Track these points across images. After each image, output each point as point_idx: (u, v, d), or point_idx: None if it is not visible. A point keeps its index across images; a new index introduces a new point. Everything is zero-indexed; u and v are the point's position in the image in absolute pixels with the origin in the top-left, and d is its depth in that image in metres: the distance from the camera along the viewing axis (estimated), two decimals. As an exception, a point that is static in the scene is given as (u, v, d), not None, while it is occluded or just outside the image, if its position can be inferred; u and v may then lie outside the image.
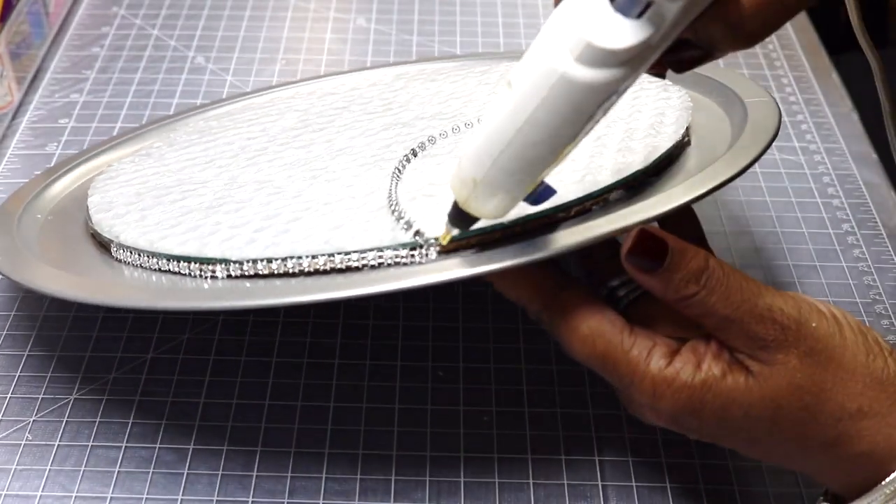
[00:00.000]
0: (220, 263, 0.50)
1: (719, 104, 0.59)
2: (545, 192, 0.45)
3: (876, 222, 0.70)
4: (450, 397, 0.57)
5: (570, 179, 0.50)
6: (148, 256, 0.52)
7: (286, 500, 0.52)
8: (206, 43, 0.86)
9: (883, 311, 0.63)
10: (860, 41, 0.65)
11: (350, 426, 0.56)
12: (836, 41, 0.86)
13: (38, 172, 0.68)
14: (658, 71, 0.58)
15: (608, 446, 0.55)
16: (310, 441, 0.55)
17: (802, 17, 0.89)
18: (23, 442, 0.54)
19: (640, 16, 0.39)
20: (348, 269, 0.48)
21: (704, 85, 0.61)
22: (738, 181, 0.51)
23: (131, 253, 0.53)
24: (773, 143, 0.54)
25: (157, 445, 0.54)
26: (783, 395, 0.45)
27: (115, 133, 0.75)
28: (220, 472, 0.53)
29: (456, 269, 0.47)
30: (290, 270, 0.49)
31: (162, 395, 0.57)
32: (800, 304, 0.45)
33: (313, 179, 0.55)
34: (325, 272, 0.48)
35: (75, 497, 0.52)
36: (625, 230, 0.46)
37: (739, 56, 0.85)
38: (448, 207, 0.46)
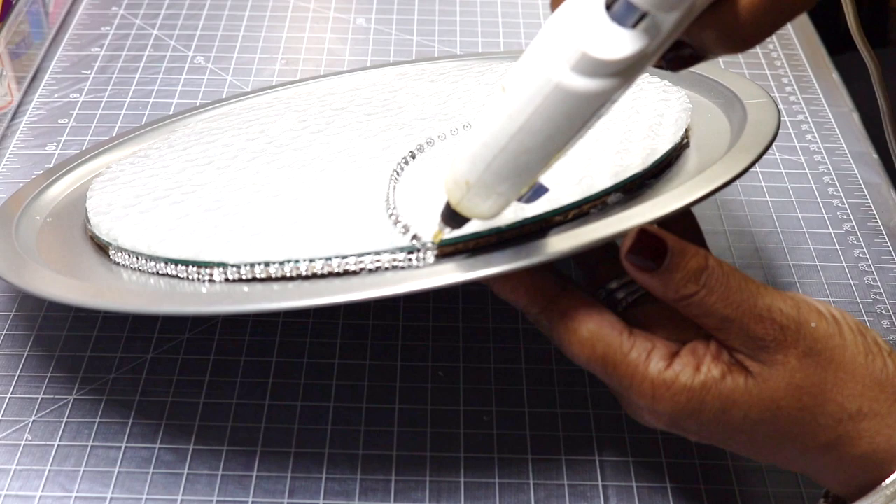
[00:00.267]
0: (218, 267, 0.50)
1: (719, 105, 0.59)
2: (538, 190, 0.45)
3: (876, 222, 0.70)
4: (450, 397, 0.57)
5: (567, 182, 0.50)
6: (146, 260, 0.52)
7: (286, 501, 0.52)
8: (205, 43, 0.86)
9: (883, 311, 0.63)
10: (857, 43, 0.65)
11: (350, 426, 0.56)
12: (837, 41, 0.86)
13: (38, 173, 0.68)
14: (656, 64, 0.58)
15: (608, 446, 0.55)
16: (310, 441, 0.55)
17: (803, 17, 0.89)
18: (22, 442, 0.54)
19: (635, 25, 0.39)
20: (346, 273, 0.48)
21: (704, 86, 0.61)
22: (738, 181, 0.51)
23: (129, 256, 0.53)
24: (774, 143, 0.54)
25: (157, 445, 0.54)
26: (782, 396, 0.45)
27: (114, 133, 0.75)
28: (220, 473, 0.53)
29: (453, 273, 0.47)
30: (288, 274, 0.49)
31: (162, 395, 0.57)
32: (799, 304, 0.45)
33: (312, 182, 0.55)
34: (322, 276, 0.48)
35: (75, 497, 0.52)
36: (623, 234, 0.46)
37: (740, 55, 0.85)
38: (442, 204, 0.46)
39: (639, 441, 0.55)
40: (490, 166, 0.43)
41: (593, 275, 0.51)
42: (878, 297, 0.64)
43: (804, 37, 0.88)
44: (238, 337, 0.60)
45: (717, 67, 0.61)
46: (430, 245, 0.48)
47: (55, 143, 0.74)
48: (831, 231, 0.69)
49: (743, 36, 0.40)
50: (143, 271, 0.52)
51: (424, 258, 0.48)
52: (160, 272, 0.51)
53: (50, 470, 0.53)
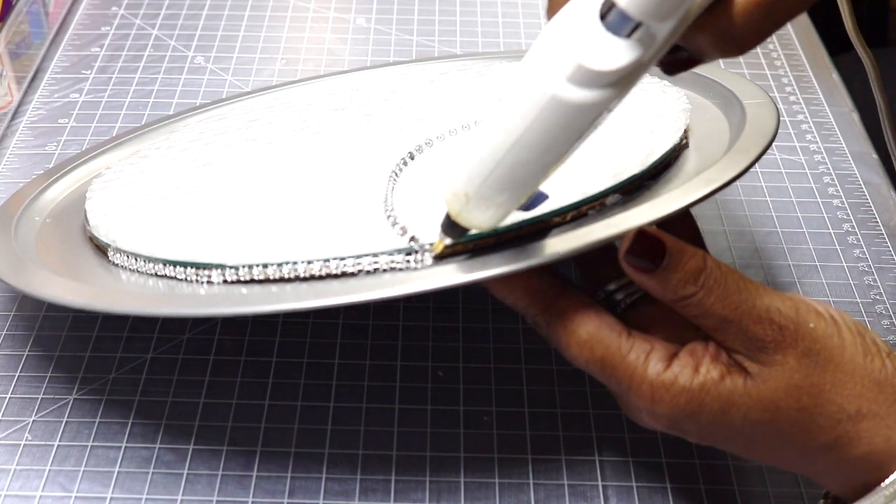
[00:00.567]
0: (217, 268, 0.50)
1: (718, 106, 0.59)
2: (538, 198, 0.45)
3: (876, 222, 0.70)
4: (450, 397, 0.57)
5: (566, 183, 0.50)
6: (144, 261, 0.52)
7: (286, 501, 0.52)
8: (205, 43, 0.86)
9: (883, 311, 0.63)
10: (854, 43, 0.65)
11: (350, 426, 0.56)
12: (837, 41, 0.86)
13: (38, 173, 0.68)
14: None
15: (608, 446, 0.55)
16: (310, 441, 0.55)
17: (803, 17, 0.89)
18: (22, 442, 0.54)
19: (630, 35, 0.39)
20: (344, 275, 0.48)
21: (703, 86, 0.61)
22: (738, 181, 0.51)
23: (128, 257, 0.53)
24: (773, 143, 0.54)
25: (157, 445, 0.54)
26: (781, 397, 0.45)
27: (114, 133, 0.75)
28: (220, 473, 0.53)
29: (451, 275, 0.47)
30: (286, 276, 0.49)
31: (162, 395, 0.57)
32: (797, 304, 0.45)
33: (310, 183, 0.55)
34: (320, 277, 0.48)
35: (75, 497, 0.52)
36: (621, 235, 0.46)
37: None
38: (442, 212, 0.46)
39: (639, 441, 0.55)
40: (488, 178, 0.43)
41: (592, 276, 0.51)
42: (878, 297, 0.64)
43: (804, 37, 0.88)
44: (238, 337, 0.60)
45: (717, 68, 0.61)
46: (428, 247, 0.48)
47: (55, 143, 0.74)
48: (831, 231, 0.69)
49: (738, 40, 0.40)
50: (142, 273, 0.52)
51: (422, 260, 0.48)
52: (159, 273, 0.51)
53: (50, 470, 0.53)
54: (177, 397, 0.57)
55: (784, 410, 0.45)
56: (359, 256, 0.48)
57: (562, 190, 0.49)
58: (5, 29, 0.79)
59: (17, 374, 0.58)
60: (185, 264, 0.50)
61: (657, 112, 0.56)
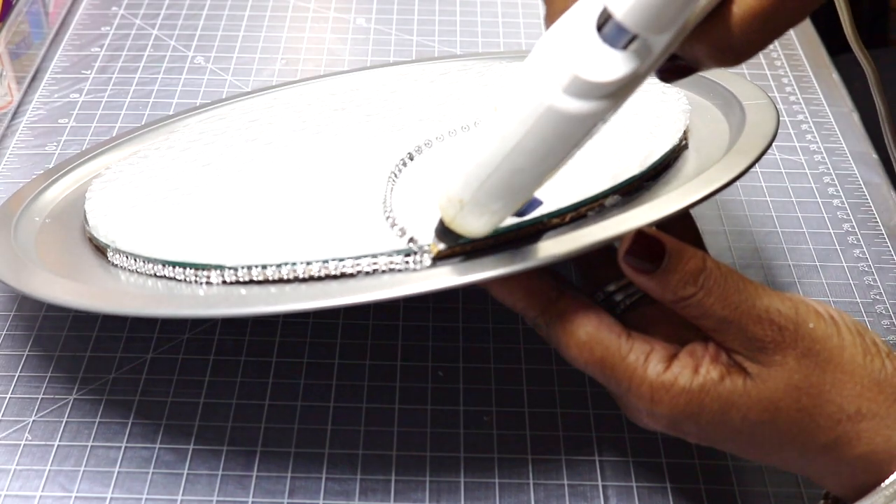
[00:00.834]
0: (215, 269, 0.50)
1: (717, 107, 0.59)
2: (532, 203, 0.46)
3: (876, 222, 0.70)
4: (450, 397, 0.57)
5: (565, 185, 0.50)
6: (143, 262, 0.52)
7: (286, 500, 0.52)
8: (205, 43, 0.86)
9: (883, 311, 0.63)
10: (853, 45, 0.65)
11: (350, 426, 0.56)
12: (837, 41, 0.86)
13: (38, 173, 0.68)
14: None
15: (608, 446, 0.55)
16: (310, 441, 0.55)
17: (803, 17, 0.89)
18: (22, 442, 0.54)
19: (626, 46, 0.39)
20: (343, 276, 0.48)
21: (702, 87, 0.61)
22: (737, 181, 0.51)
23: (127, 258, 0.53)
24: (773, 144, 0.54)
25: (157, 445, 0.54)
26: (781, 397, 0.45)
27: (114, 133, 0.75)
28: (220, 473, 0.53)
29: (450, 276, 0.47)
30: (285, 277, 0.49)
31: (162, 395, 0.57)
32: (797, 304, 0.45)
33: (309, 184, 0.55)
34: (319, 278, 0.48)
35: (75, 497, 0.52)
36: (621, 236, 0.46)
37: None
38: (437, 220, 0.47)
39: (639, 441, 0.55)
40: (483, 186, 0.43)
41: (591, 277, 0.51)
42: (878, 297, 0.64)
43: (804, 37, 0.88)
44: (238, 337, 0.60)
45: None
46: (426, 248, 0.48)
47: (55, 143, 0.74)
48: (831, 231, 0.69)
49: (735, 51, 0.40)
50: (142, 273, 0.52)
51: (421, 261, 0.48)
52: (158, 274, 0.51)
53: (50, 470, 0.53)
54: (177, 397, 0.57)
55: (784, 411, 0.45)
56: (358, 257, 0.48)
57: (561, 191, 0.49)
58: (5, 29, 0.79)
59: (17, 374, 0.58)
60: (184, 265, 0.50)
61: (657, 113, 0.56)
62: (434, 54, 0.85)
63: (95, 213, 0.57)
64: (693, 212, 0.53)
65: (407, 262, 0.48)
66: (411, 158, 0.55)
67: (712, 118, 0.58)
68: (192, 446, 0.54)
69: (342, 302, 0.47)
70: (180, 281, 0.51)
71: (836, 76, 0.84)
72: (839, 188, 0.72)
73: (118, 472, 0.53)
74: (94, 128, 0.76)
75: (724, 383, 0.45)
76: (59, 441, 0.55)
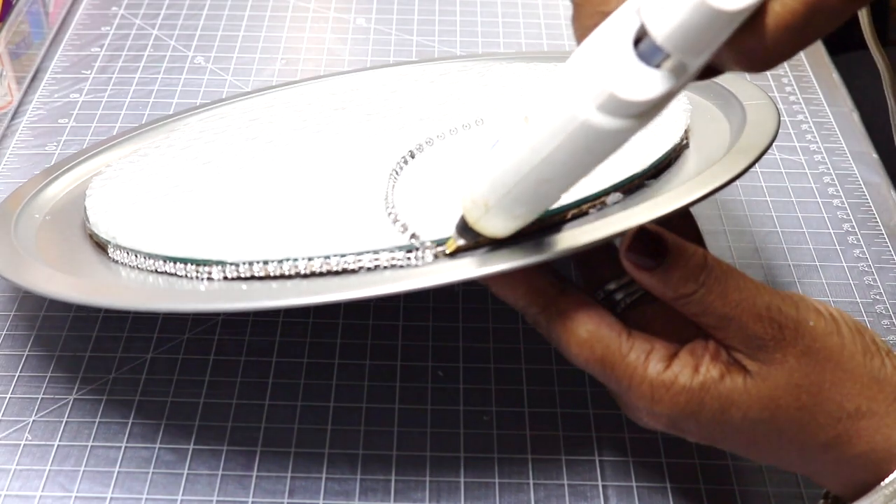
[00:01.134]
0: (217, 265, 0.50)
1: (718, 106, 0.59)
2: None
3: (876, 222, 0.70)
4: (450, 397, 0.57)
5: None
6: (144, 258, 0.52)
7: (286, 500, 0.52)
8: (205, 43, 0.86)
9: (883, 311, 0.63)
10: (869, 44, 0.65)
11: (350, 426, 0.56)
12: (837, 41, 0.86)
13: (38, 172, 0.68)
14: None
15: (608, 446, 0.55)
16: (310, 441, 0.55)
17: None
18: (22, 442, 0.54)
19: (661, 64, 0.39)
20: (344, 272, 0.48)
21: (703, 86, 0.60)
22: (738, 181, 0.51)
23: (128, 254, 0.53)
24: (774, 144, 0.54)
25: (157, 445, 0.54)
26: (781, 396, 0.45)
27: (114, 133, 0.75)
28: (220, 472, 0.53)
29: (451, 272, 0.47)
30: (286, 272, 0.49)
31: (162, 395, 0.57)
32: (797, 303, 0.45)
33: (310, 180, 0.55)
34: (321, 274, 0.48)
35: (75, 497, 0.52)
36: (622, 234, 0.46)
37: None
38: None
39: (639, 441, 0.55)
40: (510, 192, 0.43)
41: (592, 276, 0.51)
42: (878, 297, 0.64)
43: (804, 37, 0.88)
44: (238, 337, 0.60)
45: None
46: (428, 244, 0.48)
47: (55, 143, 0.74)
48: (831, 231, 0.69)
49: (766, 59, 0.40)
50: (142, 269, 0.52)
51: (423, 257, 0.48)
52: (159, 270, 0.51)
53: (50, 470, 0.53)
54: (177, 397, 0.57)
55: (783, 409, 0.45)
56: (359, 253, 0.48)
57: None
58: (5, 29, 0.79)
59: (17, 374, 0.58)
60: (185, 261, 0.50)
61: (658, 112, 0.56)
62: (434, 54, 0.85)
63: (96, 209, 0.57)
64: (693, 211, 0.53)
65: (409, 258, 0.48)
66: (412, 156, 0.55)
67: (713, 117, 0.58)
68: (192, 446, 0.54)
69: (343, 297, 0.47)
70: (181, 277, 0.51)
71: (836, 76, 0.84)
72: (839, 188, 0.72)
73: (118, 472, 0.53)
74: (94, 128, 0.76)
75: (724, 382, 0.45)
76: (59, 441, 0.55)
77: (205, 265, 0.50)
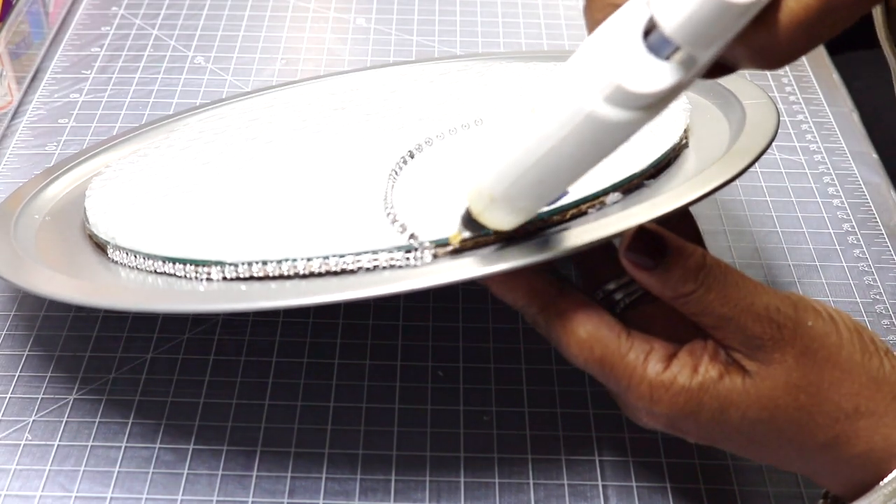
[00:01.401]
0: (216, 265, 0.50)
1: (718, 106, 0.59)
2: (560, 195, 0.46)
3: (876, 222, 0.70)
4: (450, 397, 0.57)
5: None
6: (144, 258, 0.52)
7: (286, 500, 0.52)
8: (205, 43, 0.86)
9: (883, 311, 0.63)
10: (882, 43, 0.65)
11: (350, 426, 0.56)
12: (837, 41, 0.86)
13: (38, 172, 0.68)
14: None
15: (608, 446, 0.55)
16: (310, 441, 0.55)
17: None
18: (22, 442, 0.54)
19: (671, 56, 0.38)
20: (343, 272, 0.48)
21: (703, 86, 0.60)
22: (737, 181, 0.51)
23: (127, 254, 0.53)
24: (773, 143, 0.54)
25: (157, 445, 0.54)
26: (780, 395, 0.45)
27: (114, 133, 0.75)
28: (220, 472, 0.53)
29: (450, 272, 0.47)
30: (285, 273, 0.49)
31: (162, 395, 0.57)
32: (796, 303, 0.45)
33: (310, 181, 0.55)
34: (320, 274, 0.48)
35: (75, 497, 0.52)
36: (621, 234, 0.46)
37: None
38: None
39: (639, 441, 0.55)
40: (515, 184, 0.43)
41: (591, 276, 0.51)
42: (878, 297, 0.64)
43: (804, 37, 0.88)
44: (238, 337, 0.60)
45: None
46: (427, 244, 0.48)
47: (55, 143, 0.74)
48: (831, 231, 0.69)
49: (778, 56, 0.39)
50: (141, 270, 0.52)
51: (422, 257, 0.48)
52: (158, 270, 0.51)
53: (50, 470, 0.53)
54: (177, 397, 0.57)
55: (782, 409, 0.45)
56: (358, 254, 0.48)
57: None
58: (5, 29, 0.79)
59: (17, 374, 0.58)
60: (184, 261, 0.50)
61: (657, 111, 0.56)
62: (434, 54, 0.85)
63: (95, 210, 0.57)
64: (693, 211, 0.53)
65: (408, 259, 0.48)
66: (412, 156, 0.55)
67: (712, 117, 0.58)
68: (192, 446, 0.54)
69: (343, 297, 0.47)
70: (180, 277, 0.51)
71: (836, 76, 0.84)
72: (839, 188, 0.72)
73: (118, 472, 0.53)
74: (94, 128, 0.76)
75: (723, 382, 0.45)
76: (59, 441, 0.55)
77: (204, 266, 0.50)
